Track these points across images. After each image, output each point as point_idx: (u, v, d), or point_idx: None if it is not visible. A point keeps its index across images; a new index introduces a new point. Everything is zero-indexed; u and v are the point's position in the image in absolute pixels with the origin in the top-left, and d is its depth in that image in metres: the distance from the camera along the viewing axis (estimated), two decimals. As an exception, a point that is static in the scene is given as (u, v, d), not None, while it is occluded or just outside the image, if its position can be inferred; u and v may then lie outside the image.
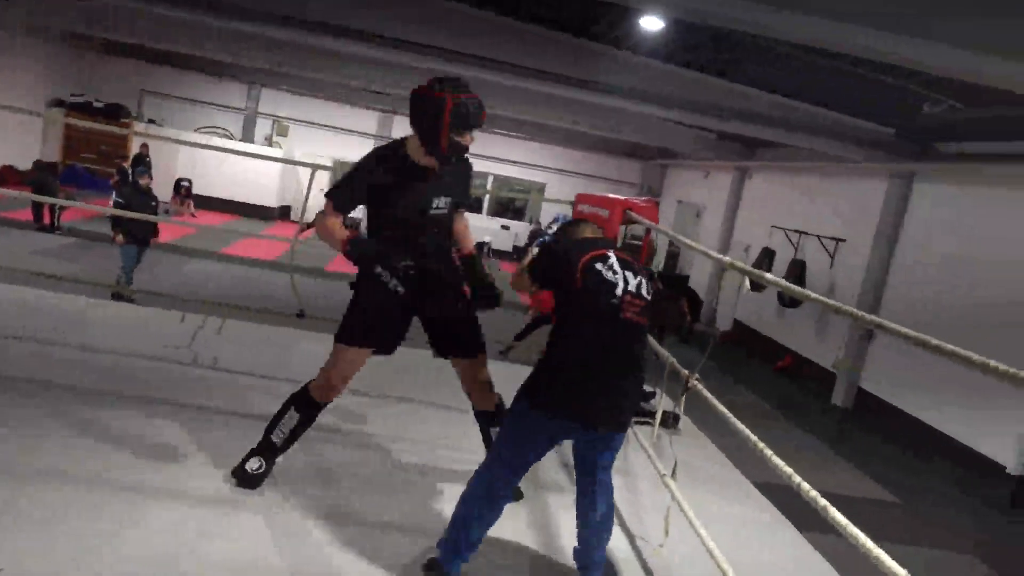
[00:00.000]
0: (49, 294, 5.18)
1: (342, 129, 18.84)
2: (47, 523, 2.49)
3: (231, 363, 4.40)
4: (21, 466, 2.82)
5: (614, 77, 9.17)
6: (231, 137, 18.14)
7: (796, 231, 12.22)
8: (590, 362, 2.45)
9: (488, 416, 3.18)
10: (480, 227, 18.83)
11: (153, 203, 8.04)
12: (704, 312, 14.77)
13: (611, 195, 4.71)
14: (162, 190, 15.68)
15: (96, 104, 16.83)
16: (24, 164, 14.64)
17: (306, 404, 2.94)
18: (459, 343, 3.05)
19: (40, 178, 12.16)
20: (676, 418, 4.57)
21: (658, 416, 3.40)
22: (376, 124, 19.20)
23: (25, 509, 2.55)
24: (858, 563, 2.10)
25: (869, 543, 1.82)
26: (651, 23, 7.10)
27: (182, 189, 16.33)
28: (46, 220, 12.00)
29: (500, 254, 18.81)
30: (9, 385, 3.53)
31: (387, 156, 2.83)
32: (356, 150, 18.68)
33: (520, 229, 19.75)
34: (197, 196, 16.57)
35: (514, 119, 16.13)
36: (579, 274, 2.48)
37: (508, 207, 20.75)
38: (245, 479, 2.93)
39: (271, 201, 17.80)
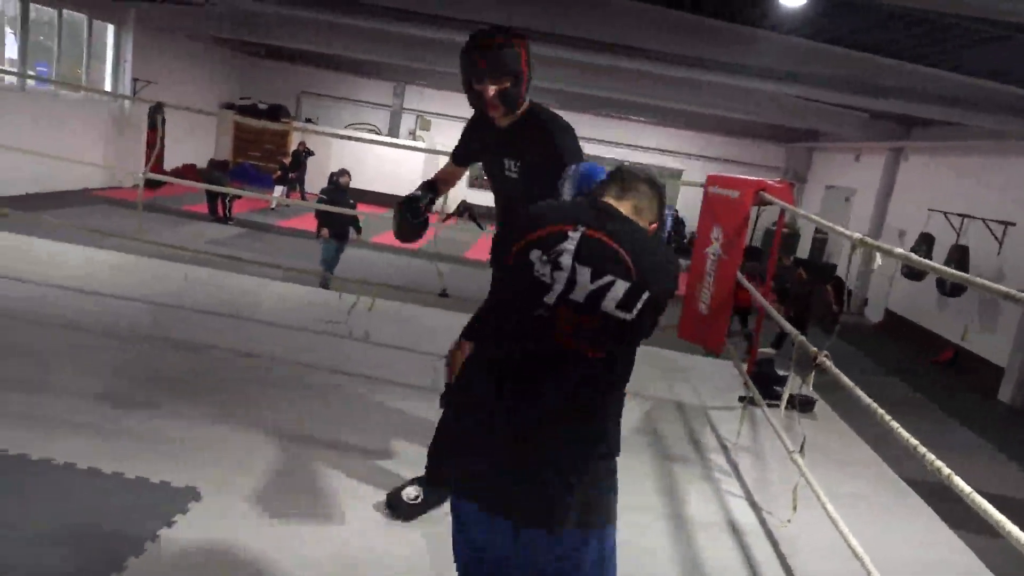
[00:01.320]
0: (226, 274, 5.83)
1: (480, 121, 19.38)
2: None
3: (381, 337, 4.80)
4: (241, 420, 3.28)
5: (754, 58, 8.91)
6: (379, 132, 19.18)
7: (958, 215, 11.33)
8: (489, 407, 1.57)
9: None
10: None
11: (352, 201, 8.61)
12: (854, 302, 14.02)
13: (743, 177, 4.67)
14: (319, 182, 16.96)
15: (260, 106, 18.35)
16: (201, 162, 16.25)
17: None
18: None
19: (213, 174, 13.47)
20: (810, 402, 4.48)
21: (785, 394, 3.39)
22: (513, 115, 19.59)
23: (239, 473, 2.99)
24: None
25: None
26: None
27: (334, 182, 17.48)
28: (219, 212, 13.28)
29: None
30: (207, 353, 4.07)
31: (477, 116, 2.74)
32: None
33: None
34: (352, 189, 17.66)
35: (647, 104, 15.95)
36: (511, 262, 1.61)
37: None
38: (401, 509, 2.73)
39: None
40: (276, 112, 18.28)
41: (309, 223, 14.22)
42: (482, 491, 1.58)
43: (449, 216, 3.50)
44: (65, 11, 12.62)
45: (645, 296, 1.54)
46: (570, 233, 1.56)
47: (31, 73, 12.44)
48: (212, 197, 13.06)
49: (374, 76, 19.08)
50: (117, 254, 5.94)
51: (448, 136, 18.97)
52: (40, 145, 9.14)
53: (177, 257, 6.08)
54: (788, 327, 3.62)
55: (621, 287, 1.53)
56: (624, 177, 1.74)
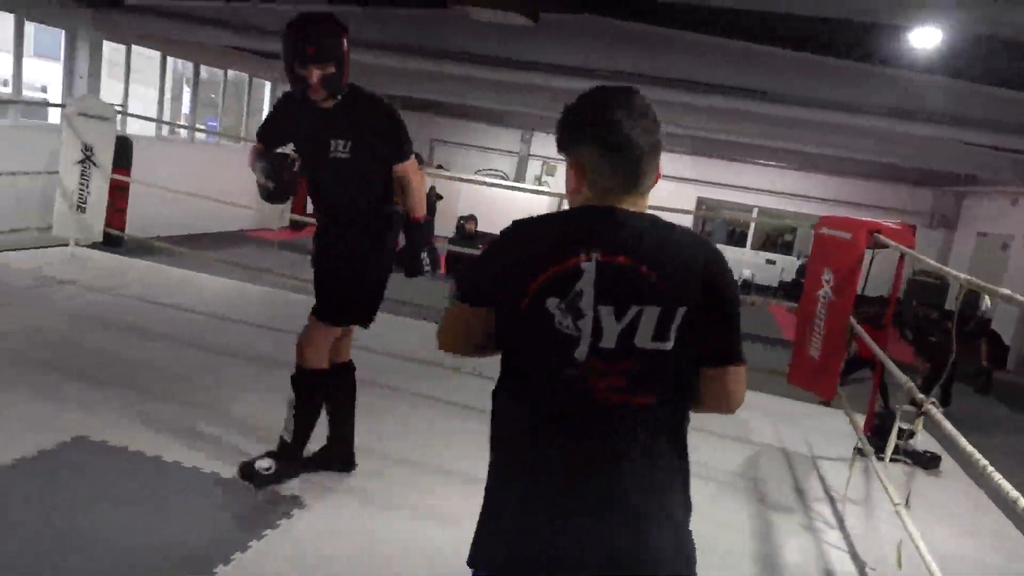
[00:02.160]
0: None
1: (606, 167, 19.61)
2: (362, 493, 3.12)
3: (492, 370, 4.95)
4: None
5: (886, 96, 8.56)
6: (506, 178, 19.82)
7: None
8: (556, 487, 1.27)
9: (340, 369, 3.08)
10: (743, 260, 18.28)
11: (480, 246, 9.00)
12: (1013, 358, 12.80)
13: (857, 217, 4.49)
14: (447, 226, 17.70)
15: (398, 153, 19.50)
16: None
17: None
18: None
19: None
20: (935, 459, 4.18)
21: (891, 442, 3.21)
22: (639, 160, 19.68)
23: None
24: None
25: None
26: (926, 37, 6.58)
27: (462, 226, 18.16)
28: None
29: (764, 290, 18.05)
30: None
31: (291, 95, 2.76)
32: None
33: (788, 264, 18.80)
34: (478, 233, 18.32)
35: (779, 148, 15.55)
36: (524, 310, 1.28)
37: (775, 241, 19.89)
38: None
39: (539, 236, 19.05)
40: (418, 159, 19.35)
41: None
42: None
43: None
44: (230, 71, 14.08)
45: (681, 312, 1.25)
46: (583, 265, 1.24)
47: (200, 127, 13.93)
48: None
49: (502, 124, 19.80)
50: (263, 288, 6.49)
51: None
52: (205, 190, 10.19)
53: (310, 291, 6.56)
54: (901, 376, 3.43)
55: (652, 314, 1.25)
56: (624, 148, 1.31)
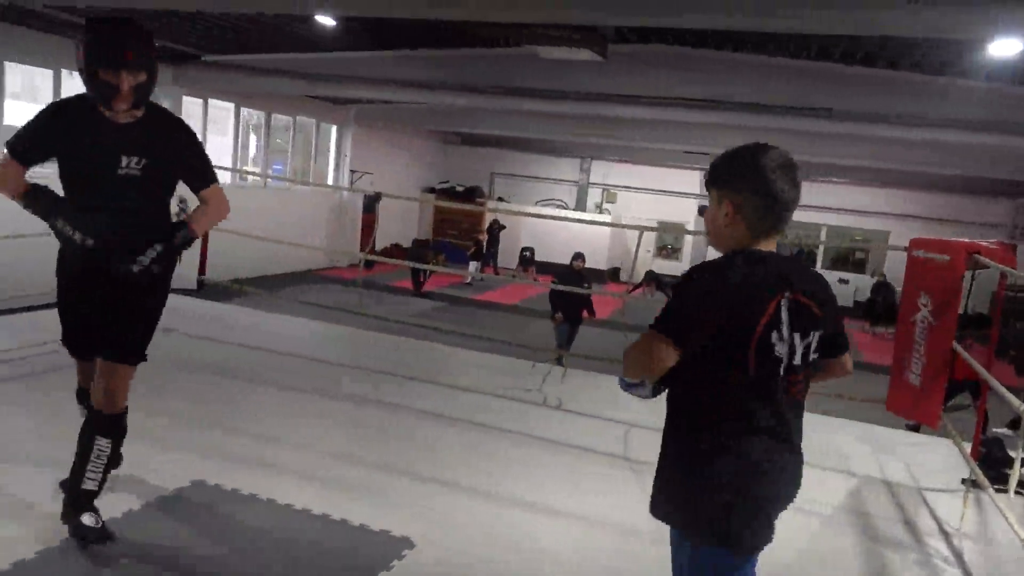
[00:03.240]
0: (430, 344, 6.33)
1: (665, 191, 19.52)
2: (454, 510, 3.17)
3: (573, 405, 4.96)
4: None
5: (962, 108, 8.34)
6: (566, 207, 19.90)
7: None
8: (779, 467, 1.76)
9: (104, 422, 2.65)
10: (813, 281, 17.82)
11: (586, 284, 8.41)
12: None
13: (953, 239, 4.36)
14: (510, 258, 17.86)
15: (457, 188, 19.81)
16: (404, 242, 17.74)
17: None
18: (109, 339, 2.60)
19: (417, 252, 14.68)
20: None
21: (1015, 473, 3.06)
22: (698, 183, 19.53)
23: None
24: None
25: None
26: (1005, 48, 6.40)
27: (525, 257, 18.29)
28: (423, 287, 14.38)
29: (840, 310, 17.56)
30: (421, 415, 4.47)
31: (69, 104, 2.51)
32: (679, 209, 19.27)
33: (862, 283, 18.26)
34: (540, 262, 18.41)
35: (847, 165, 15.23)
36: (754, 347, 1.66)
37: (847, 259, 19.39)
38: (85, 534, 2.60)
39: (602, 264, 19.03)
40: (472, 193, 19.63)
41: (505, 296, 14.95)
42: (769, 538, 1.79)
43: (636, 287, 3.61)
44: (298, 116, 14.61)
45: (820, 333, 1.79)
46: (782, 303, 1.68)
47: (271, 173, 14.46)
48: (415, 273, 14.19)
49: (561, 154, 19.95)
50: (337, 326, 6.67)
51: (633, 208, 19.26)
52: (276, 233, 10.54)
53: (387, 328, 6.70)
54: (1014, 400, 3.30)
55: (816, 336, 1.76)
56: (780, 199, 1.72)
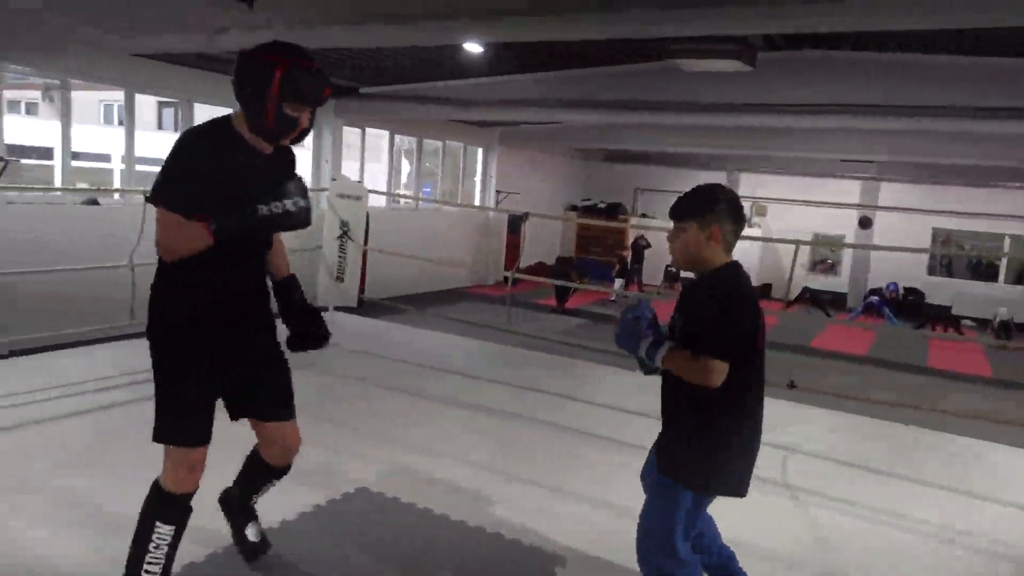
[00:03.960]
0: (572, 361, 6.36)
1: (821, 203, 18.48)
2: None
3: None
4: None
5: None
6: (712, 222, 19.34)
7: None
8: (754, 427, 2.37)
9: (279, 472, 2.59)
10: (994, 297, 16.21)
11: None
12: None
13: None
14: (656, 276, 17.59)
15: (600, 205, 19.80)
16: (548, 260, 17.96)
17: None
18: (270, 399, 2.42)
19: (560, 270, 14.80)
20: None
21: None
22: (859, 193, 18.33)
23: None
24: None
25: None
26: None
27: (670, 272, 17.95)
28: (567, 305, 14.46)
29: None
30: (554, 429, 4.51)
31: (209, 133, 2.22)
32: (836, 221, 18.17)
33: (1052, 298, 16.33)
34: (686, 279, 18.01)
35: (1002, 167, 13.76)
36: (762, 341, 2.31)
37: (1033, 272, 17.42)
38: None
39: (752, 280, 18.29)
40: (615, 210, 19.55)
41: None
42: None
43: (791, 303, 3.57)
44: (447, 141, 15.24)
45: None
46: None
47: (421, 196, 15.17)
48: (560, 291, 14.31)
49: (707, 167, 19.45)
50: (484, 343, 6.86)
51: (786, 221, 18.39)
52: (427, 252, 11.02)
53: (532, 345, 6.81)
54: None
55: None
56: (743, 222, 2.51)
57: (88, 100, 17.95)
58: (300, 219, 2.16)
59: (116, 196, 10.45)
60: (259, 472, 2.60)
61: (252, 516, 2.75)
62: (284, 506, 3.14)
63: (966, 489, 3.98)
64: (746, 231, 2.36)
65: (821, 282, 18.13)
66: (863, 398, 5.98)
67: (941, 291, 16.91)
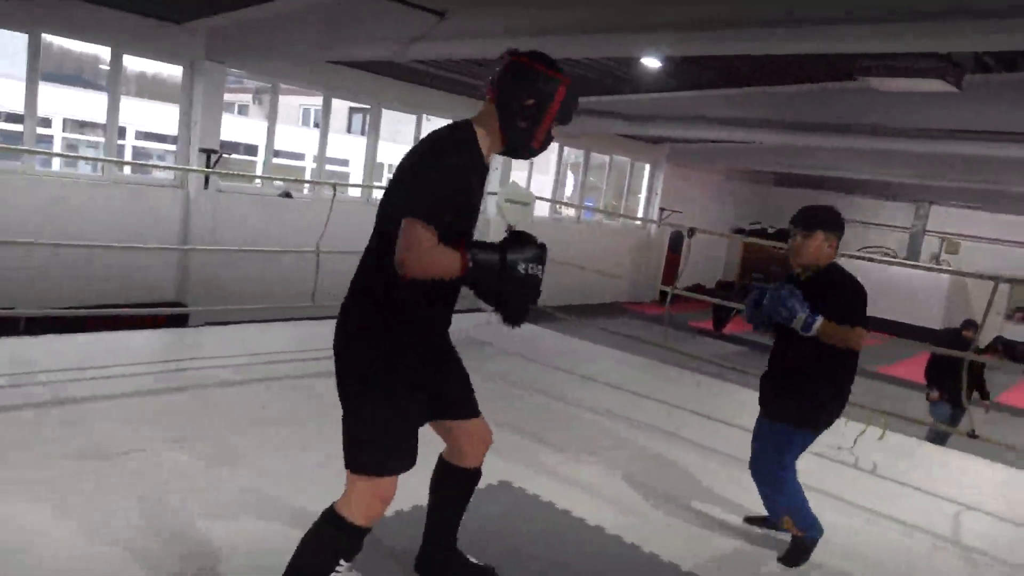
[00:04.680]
0: (729, 385, 6.14)
1: (1021, 243, 16.61)
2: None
3: (888, 471, 4.45)
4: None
5: None
6: (894, 256, 17.91)
7: None
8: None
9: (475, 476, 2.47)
10: None
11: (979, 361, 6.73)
12: None
13: None
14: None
15: (768, 230, 18.93)
16: (708, 283, 17.43)
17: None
18: (465, 398, 2.37)
19: (720, 295, 14.34)
20: None
21: None
22: (1073, 235, 16.28)
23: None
24: None
25: None
26: None
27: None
28: (724, 330, 13.99)
29: None
30: (703, 454, 4.39)
31: (466, 146, 2.06)
32: (1043, 266, 16.19)
33: None
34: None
35: None
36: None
37: None
38: None
39: (935, 323, 16.74)
40: (783, 235, 18.55)
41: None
42: None
43: (983, 351, 3.63)
44: (614, 155, 15.26)
45: None
46: None
47: (585, 206, 15.29)
48: (718, 313, 13.87)
49: (892, 197, 18.07)
50: (636, 357, 6.78)
51: (980, 261, 16.67)
52: (588, 263, 11.06)
53: (688, 365, 6.64)
54: None
55: None
56: None
57: (290, 103, 19.72)
58: (537, 293, 2.07)
59: (306, 190, 11.43)
60: (459, 489, 2.48)
61: (465, 561, 2.56)
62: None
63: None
64: (933, 265, 2.17)
65: (1017, 332, 16.24)
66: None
67: None
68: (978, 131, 8.05)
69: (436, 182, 1.95)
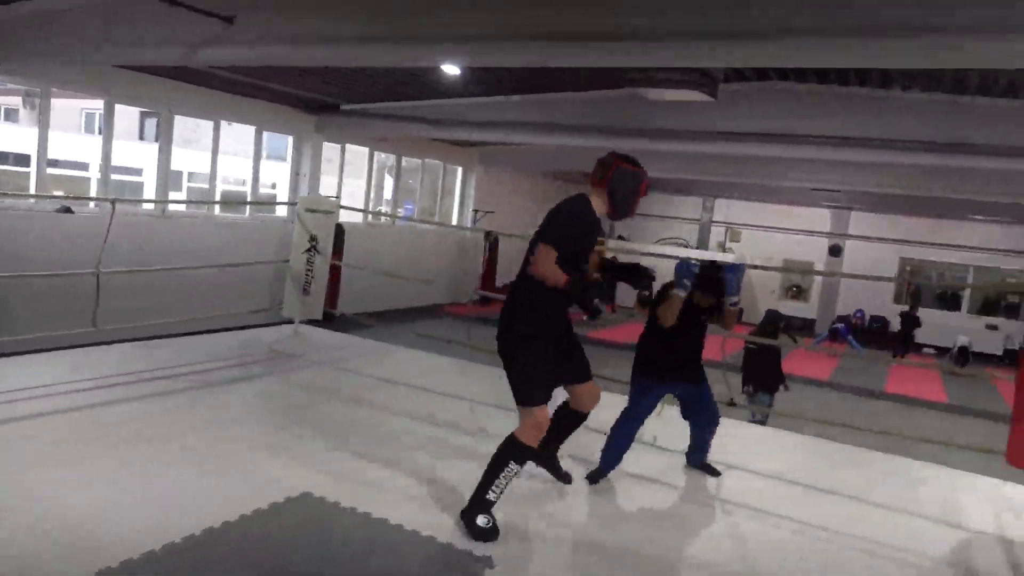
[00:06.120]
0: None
1: (792, 230, 18.87)
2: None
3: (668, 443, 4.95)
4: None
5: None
6: (687, 246, 19.63)
7: None
8: None
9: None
10: (957, 327, 16.58)
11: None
12: None
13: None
14: (629, 296, 17.81)
15: (579, 227, 20.05)
16: (525, 279, 18.11)
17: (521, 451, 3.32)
18: (584, 365, 3.60)
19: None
20: None
21: None
22: (830, 221, 18.72)
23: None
24: None
25: None
26: None
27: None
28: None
29: (983, 357, 16.18)
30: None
31: (590, 209, 3.34)
32: (807, 248, 18.52)
33: (1013, 329, 16.76)
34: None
35: (997, 202, 14.15)
36: None
37: (997, 304, 17.86)
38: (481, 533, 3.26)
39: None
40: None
41: (617, 335, 14.95)
42: None
43: (769, 334, 4.02)
44: (427, 159, 15.43)
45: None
46: None
47: (400, 212, 15.31)
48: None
49: (683, 192, 19.78)
50: (442, 357, 6.96)
51: (759, 246, 18.73)
52: (404, 269, 11.14)
53: (496, 363, 6.92)
54: None
55: None
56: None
57: (70, 107, 17.99)
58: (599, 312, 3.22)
59: (93, 204, 10.51)
60: (571, 422, 3.74)
61: (556, 458, 3.95)
62: (232, 504, 3.25)
63: (929, 514, 4.12)
64: (719, 255, 2.50)
65: (791, 307, 18.41)
66: (819, 420, 6.17)
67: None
68: (738, 133, 9.08)
69: (562, 224, 3.26)
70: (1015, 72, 7.03)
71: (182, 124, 10.98)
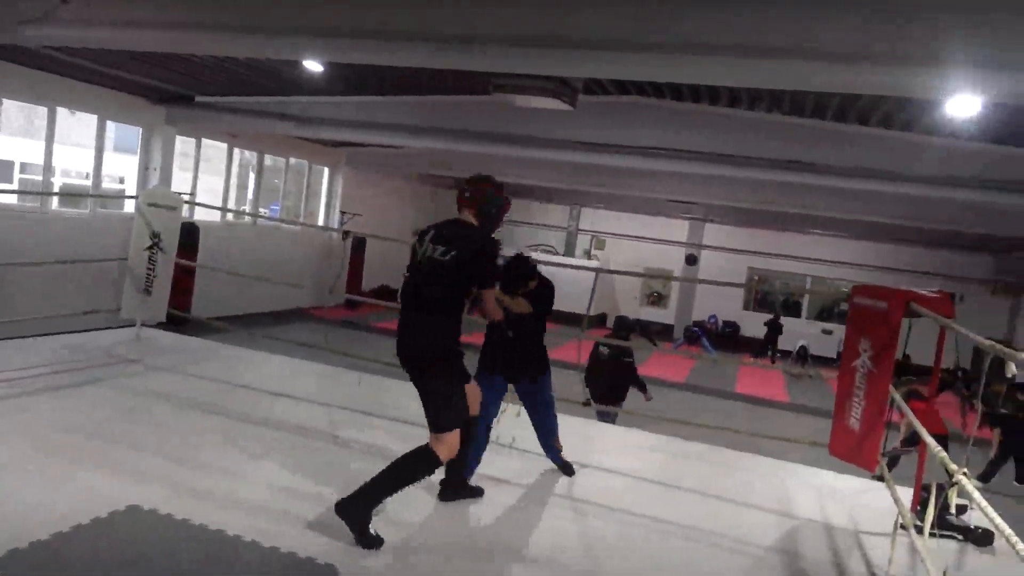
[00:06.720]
0: (398, 382, 6.38)
1: (654, 239, 19.78)
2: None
3: (524, 444, 5.00)
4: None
5: (927, 164, 8.59)
6: (555, 252, 20.11)
7: None
8: None
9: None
10: (798, 332, 17.94)
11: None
12: None
13: (892, 287, 4.48)
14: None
15: (448, 231, 20.06)
16: (396, 284, 17.88)
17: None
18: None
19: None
20: (987, 535, 4.03)
21: (928, 515, 3.11)
22: (687, 232, 19.78)
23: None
24: None
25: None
26: (963, 105, 6.61)
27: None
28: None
29: (823, 360, 17.62)
30: (367, 451, 4.51)
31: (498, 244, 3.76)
32: (666, 257, 19.46)
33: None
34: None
35: (831, 217, 15.45)
36: None
37: (831, 311, 19.52)
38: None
39: (583, 310, 19.16)
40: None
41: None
42: None
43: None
44: (291, 158, 14.90)
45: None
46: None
47: (262, 211, 14.68)
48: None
49: (551, 200, 20.25)
50: (303, 362, 6.73)
51: (623, 254, 19.48)
52: (267, 271, 10.66)
53: (357, 366, 6.75)
54: (933, 446, 3.37)
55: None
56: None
57: None
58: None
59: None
60: (466, 431, 3.63)
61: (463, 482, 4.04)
62: (54, 522, 2.95)
63: (761, 504, 4.37)
64: (584, 262, 2.49)
65: (652, 313, 19.27)
66: (671, 419, 6.44)
67: (755, 324, 18.51)
68: (599, 143, 9.40)
69: (493, 267, 3.69)
70: (847, 97, 7.71)
71: (16, 110, 10.00)
